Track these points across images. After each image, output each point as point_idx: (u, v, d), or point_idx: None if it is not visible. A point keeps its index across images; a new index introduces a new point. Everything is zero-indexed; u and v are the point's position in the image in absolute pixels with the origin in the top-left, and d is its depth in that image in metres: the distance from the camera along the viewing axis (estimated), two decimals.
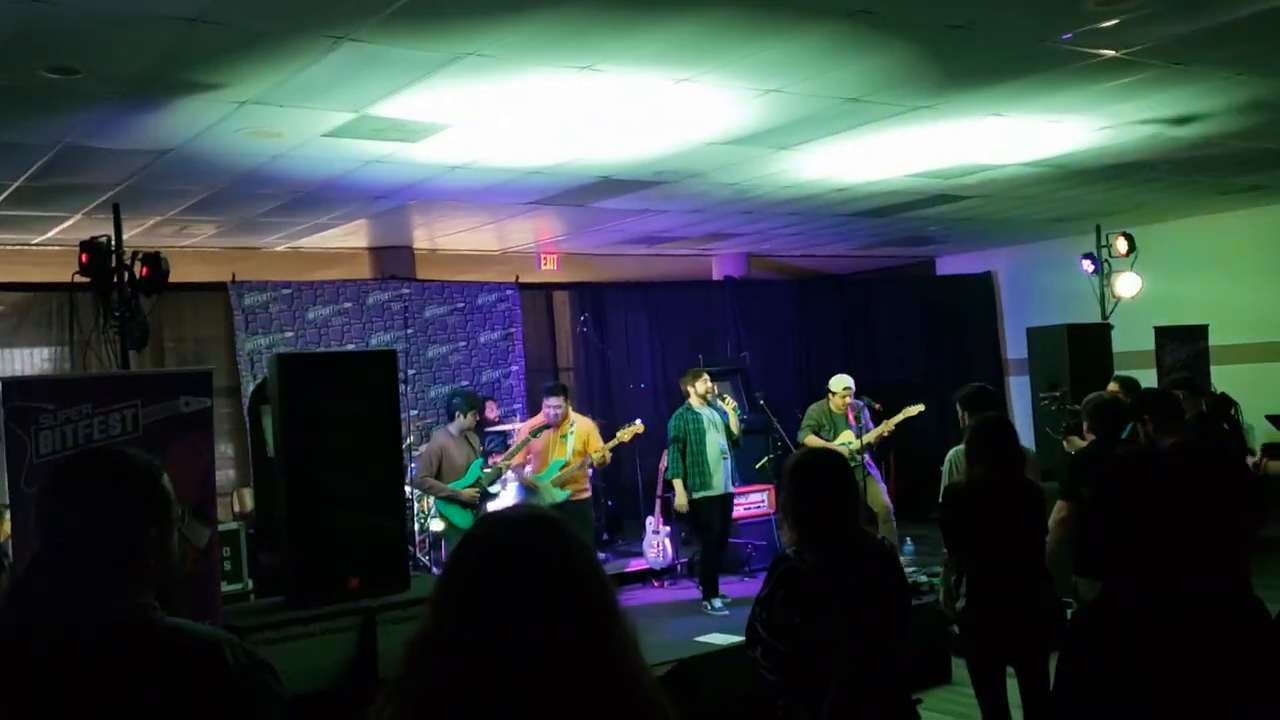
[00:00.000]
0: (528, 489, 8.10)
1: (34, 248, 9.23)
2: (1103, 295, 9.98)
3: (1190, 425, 5.69)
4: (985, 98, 6.30)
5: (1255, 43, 5.47)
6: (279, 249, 10.40)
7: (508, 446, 8.19)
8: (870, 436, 8.53)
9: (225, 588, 6.67)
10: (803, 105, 6.19)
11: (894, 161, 7.94)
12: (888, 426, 8.60)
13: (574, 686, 1.43)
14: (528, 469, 8.07)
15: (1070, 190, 9.47)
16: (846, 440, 8.38)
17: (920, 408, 8.58)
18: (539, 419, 8.09)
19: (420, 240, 10.71)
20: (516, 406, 11.11)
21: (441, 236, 10.53)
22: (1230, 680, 2.20)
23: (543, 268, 11.84)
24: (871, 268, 14.61)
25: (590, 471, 8.13)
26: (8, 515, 5.33)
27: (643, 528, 9.30)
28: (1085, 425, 5.52)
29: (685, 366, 9.11)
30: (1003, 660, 4.46)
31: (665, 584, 8.99)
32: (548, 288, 12.24)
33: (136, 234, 8.63)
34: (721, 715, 5.06)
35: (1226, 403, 8.55)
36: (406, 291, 10.71)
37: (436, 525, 8.59)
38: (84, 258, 5.12)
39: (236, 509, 9.12)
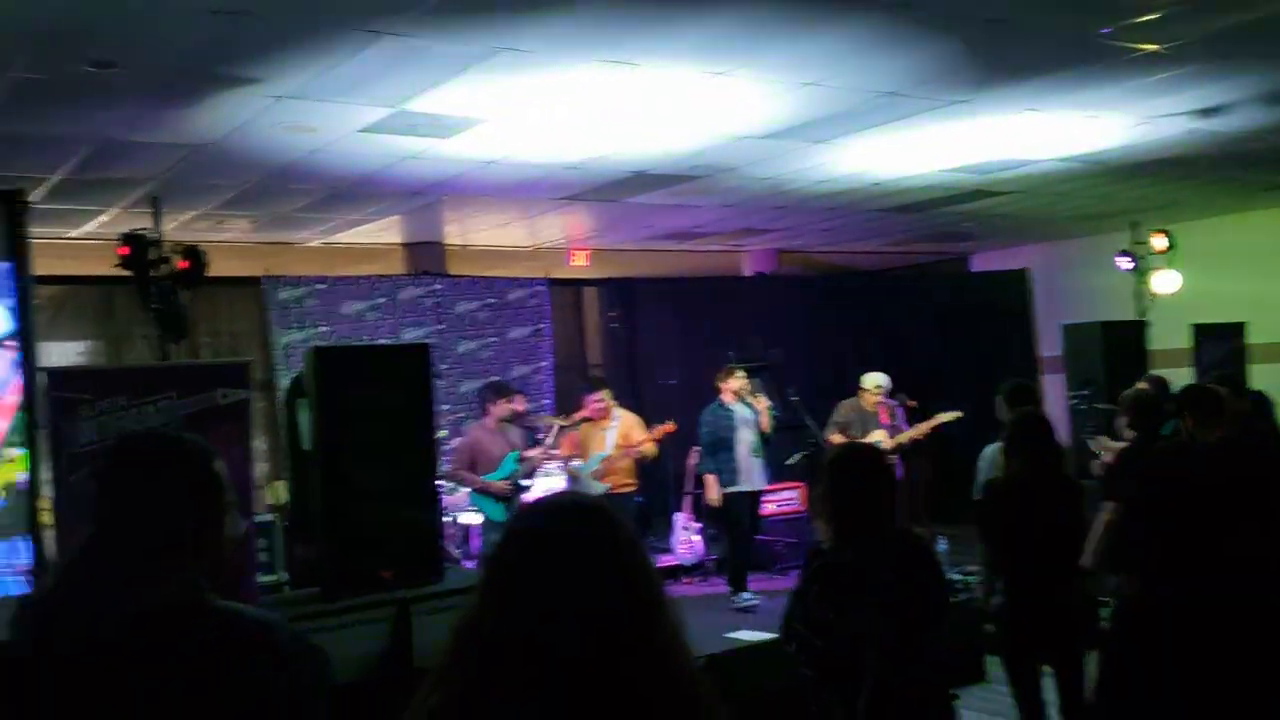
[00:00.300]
0: (572, 480, 8.15)
1: (70, 241, 9.33)
2: (1138, 292, 9.88)
3: (1234, 423, 5.62)
4: (1023, 92, 6.24)
5: None
6: (311, 244, 10.46)
7: (538, 441, 8.21)
8: (904, 437, 8.46)
9: (261, 579, 6.72)
10: (840, 99, 6.16)
11: (930, 156, 7.90)
12: (923, 430, 8.52)
13: (618, 677, 1.42)
14: (575, 461, 8.10)
15: (1106, 186, 9.37)
16: (878, 440, 8.32)
17: (957, 414, 8.50)
18: (581, 413, 8.12)
19: (452, 236, 10.75)
20: (545, 402, 11.13)
21: (473, 232, 10.56)
22: (1268, 678, 2.17)
23: (572, 263, 11.86)
24: (903, 264, 14.53)
25: (635, 466, 8.12)
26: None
27: (671, 524, 9.29)
28: (1125, 421, 5.46)
29: (715, 363, 9.09)
30: (1038, 657, 4.43)
31: (695, 580, 8.99)
32: (577, 283, 12.25)
33: (172, 228, 8.70)
34: (751, 711, 5.04)
35: (1264, 401, 8.44)
36: (438, 287, 10.75)
37: (467, 518, 8.62)
38: (125, 250, 5.17)
39: (270, 502, 9.18)
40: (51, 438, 4.60)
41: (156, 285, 5.19)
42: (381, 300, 10.43)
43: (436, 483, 6.59)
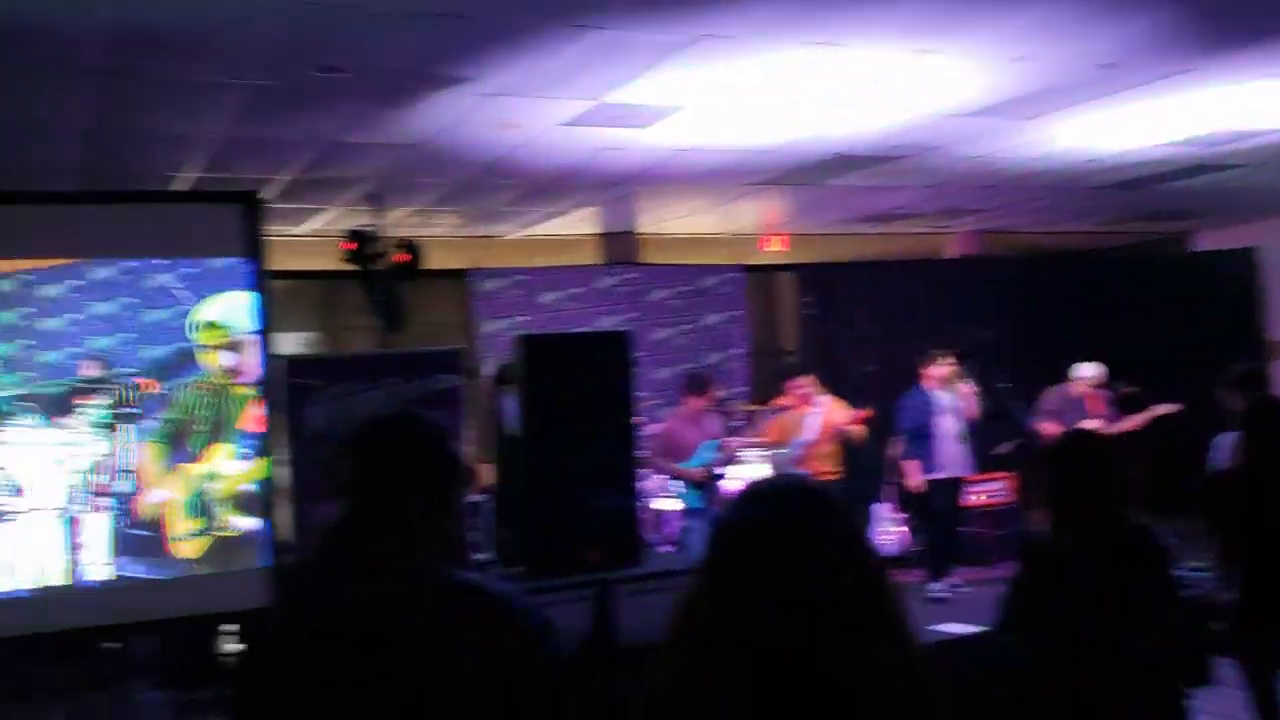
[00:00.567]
0: (773, 467, 8.15)
1: (294, 238, 9.94)
2: None
3: None
4: (1259, 57, 5.80)
5: None
6: (511, 237, 10.80)
7: (735, 429, 8.23)
8: (1119, 427, 8.05)
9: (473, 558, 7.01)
10: (1053, 73, 5.89)
11: (1150, 130, 7.45)
12: (1139, 421, 8.10)
13: (819, 666, 1.39)
14: (776, 449, 8.08)
15: None
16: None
17: (1177, 406, 8.03)
18: (783, 399, 8.08)
19: (645, 225, 10.88)
20: (739, 389, 11.12)
21: (666, 220, 10.65)
22: None
23: (766, 249, 11.78)
24: (1115, 244, 13.75)
25: (841, 453, 8.04)
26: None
27: (869, 514, 9.13)
28: None
29: (915, 350, 8.86)
30: (1275, 655, 4.22)
31: (898, 572, 8.82)
32: (771, 269, 12.16)
33: (387, 225, 9.16)
34: (957, 704, 4.91)
35: None
36: (633, 276, 10.90)
37: (660, 504, 8.73)
38: (351, 245, 5.46)
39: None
40: (290, 420, 4.93)
41: (378, 278, 5.47)
42: (577, 290, 10.67)
43: (635, 468, 6.71)
